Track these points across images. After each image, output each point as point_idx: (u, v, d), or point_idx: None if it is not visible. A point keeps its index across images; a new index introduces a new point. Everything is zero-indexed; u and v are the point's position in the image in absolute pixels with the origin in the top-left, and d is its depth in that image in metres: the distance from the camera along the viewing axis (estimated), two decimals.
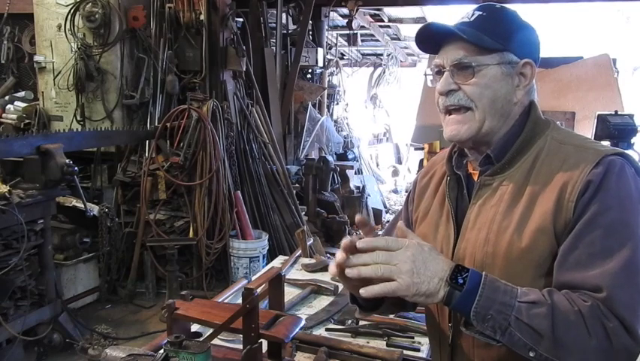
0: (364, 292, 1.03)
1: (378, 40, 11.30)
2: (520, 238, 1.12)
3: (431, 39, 1.24)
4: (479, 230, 1.19)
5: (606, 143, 3.80)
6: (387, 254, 1.03)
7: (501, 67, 1.18)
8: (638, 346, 1.00)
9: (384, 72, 13.11)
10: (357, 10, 7.06)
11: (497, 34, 1.17)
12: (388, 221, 8.27)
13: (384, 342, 1.89)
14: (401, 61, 13.47)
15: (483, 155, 1.24)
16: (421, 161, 8.49)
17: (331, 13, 7.94)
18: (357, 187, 8.02)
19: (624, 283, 1.01)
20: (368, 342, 1.87)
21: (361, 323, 2.03)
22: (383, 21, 9.60)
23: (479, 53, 1.17)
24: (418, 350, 1.83)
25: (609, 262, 1.03)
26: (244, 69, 5.46)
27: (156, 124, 4.99)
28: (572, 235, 1.07)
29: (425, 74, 1.33)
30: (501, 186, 1.19)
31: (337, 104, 10.03)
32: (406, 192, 10.60)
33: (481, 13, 1.20)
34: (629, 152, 1.23)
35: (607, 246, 1.04)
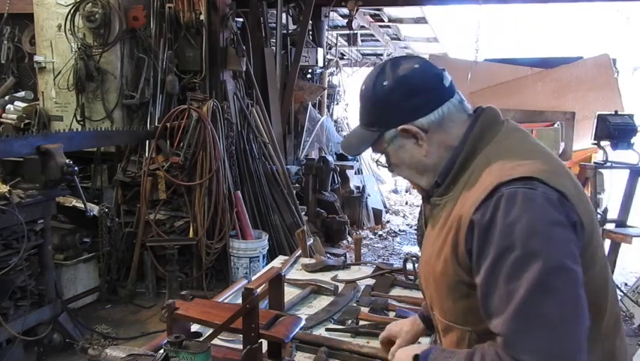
0: None
1: (378, 40, 11.30)
2: (438, 263, 1.21)
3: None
4: (425, 251, 1.30)
5: (606, 143, 3.80)
6: None
7: (392, 145, 1.27)
8: None
9: None
10: (357, 10, 7.06)
11: (371, 122, 1.28)
12: (389, 221, 8.28)
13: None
14: None
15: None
16: None
17: (331, 13, 7.94)
18: (357, 187, 8.02)
19: (520, 326, 1.01)
20: (368, 342, 1.87)
21: (361, 323, 2.03)
22: (383, 21, 9.61)
23: (370, 146, 1.30)
24: None
25: (510, 305, 1.02)
26: (244, 69, 5.46)
27: (156, 124, 4.98)
28: (481, 280, 1.09)
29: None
30: (444, 207, 1.24)
31: (337, 104, 10.03)
32: (406, 191, 10.61)
33: (360, 104, 1.30)
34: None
35: (509, 289, 1.03)
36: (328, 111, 9.23)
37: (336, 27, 9.53)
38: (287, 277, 2.43)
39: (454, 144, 1.23)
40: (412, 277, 2.40)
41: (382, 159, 1.34)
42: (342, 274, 2.57)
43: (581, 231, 1.08)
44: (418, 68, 1.23)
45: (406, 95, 1.22)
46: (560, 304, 1.00)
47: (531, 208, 1.04)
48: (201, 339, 1.47)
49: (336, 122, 9.70)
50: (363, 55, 13.37)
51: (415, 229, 7.41)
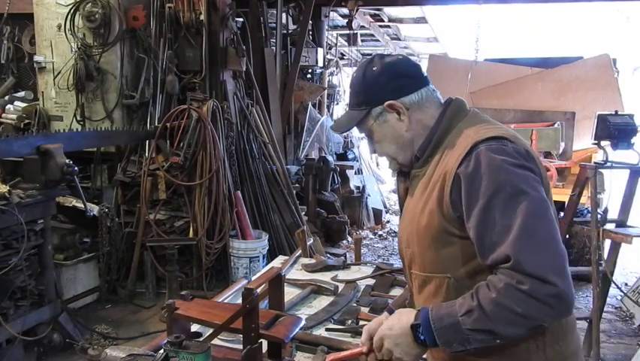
0: None
1: (378, 40, 11.30)
2: (422, 218, 1.39)
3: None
4: (408, 214, 1.49)
5: (606, 143, 3.79)
6: (378, 339, 1.38)
7: (377, 121, 1.47)
8: (558, 287, 1.16)
9: None
10: (357, 10, 7.07)
11: (360, 102, 1.48)
12: (389, 221, 8.28)
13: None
14: None
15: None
16: None
17: (331, 13, 7.95)
18: (357, 187, 8.02)
19: (525, 245, 1.19)
20: None
21: (361, 323, 2.03)
22: (383, 21, 9.61)
23: (361, 122, 1.49)
24: None
25: (510, 233, 1.20)
26: (244, 69, 5.46)
27: (156, 124, 4.98)
28: (474, 223, 1.26)
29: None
30: (422, 177, 1.44)
31: (337, 104, 10.03)
32: None
33: (350, 90, 1.52)
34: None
35: (505, 223, 1.21)
36: (328, 111, 9.23)
37: (336, 27, 9.53)
38: (287, 277, 2.43)
39: (430, 123, 1.45)
40: None
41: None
42: (342, 274, 2.57)
43: (542, 181, 1.30)
44: (402, 59, 1.50)
45: (392, 78, 1.45)
46: (548, 226, 1.22)
47: (507, 157, 1.26)
48: (201, 339, 1.47)
49: None
50: (363, 55, 13.35)
51: None
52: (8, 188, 3.37)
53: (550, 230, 1.22)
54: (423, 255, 1.42)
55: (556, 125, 6.00)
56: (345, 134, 9.88)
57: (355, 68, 1.57)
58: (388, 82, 1.45)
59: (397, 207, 9.32)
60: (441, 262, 1.37)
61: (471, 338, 1.22)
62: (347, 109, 1.58)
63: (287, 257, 2.84)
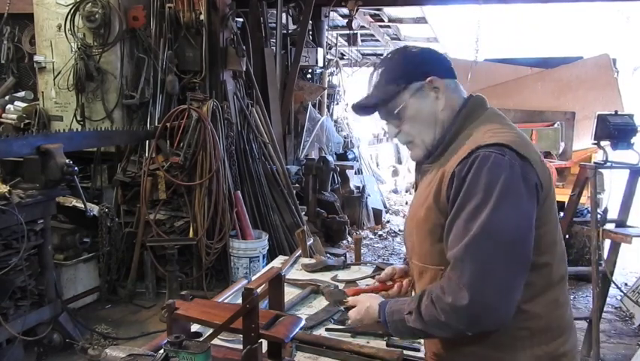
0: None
1: (378, 40, 11.30)
2: (421, 212, 1.45)
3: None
4: (413, 206, 1.55)
5: (606, 143, 3.80)
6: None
7: (414, 96, 1.46)
8: (473, 301, 1.24)
9: None
10: (357, 10, 7.06)
11: (398, 77, 1.46)
12: (389, 221, 8.28)
13: (384, 342, 1.89)
14: None
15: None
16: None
17: (331, 13, 7.95)
18: (357, 187, 8.02)
19: (468, 253, 1.27)
20: (368, 342, 1.87)
21: None
22: (383, 21, 9.60)
23: (392, 101, 1.47)
24: (418, 350, 1.83)
25: (464, 239, 1.29)
26: (244, 69, 5.46)
27: (156, 124, 4.98)
28: (449, 220, 1.35)
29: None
30: (430, 172, 1.48)
31: (337, 104, 10.03)
32: (406, 191, 10.62)
33: (383, 68, 1.50)
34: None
35: (465, 228, 1.29)
36: (328, 111, 9.23)
37: (336, 27, 9.53)
38: (287, 277, 2.43)
39: (452, 114, 1.48)
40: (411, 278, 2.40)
41: (387, 125, 1.55)
42: (342, 274, 2.57)
43: (540, 190, 1.33)
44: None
45: (434, 58, 1.51)
46: (495, 246, 1.27)
47: (497, 169, 1.28)
48: (201, 339, 1.47)
49: (336, 122, 9.70)
50: (363, 55, 13.37)
51: None
52: (8, 188, 3.37)
53: (494, 251, 1.27)
54: (420, 247, 1.49)
55: (556, 125, 6.00)
56: (344, 133, 9.89)
57: (387, 53, 1.56)
58: (430, 60, 1.49)
59: (397, 207, 9.37)
60: (435, 255, 1.43)
61: (414, 332, 1.41)
62: (371, 91, 1.52)
63: (287, 257, 2.84)
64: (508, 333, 1.35)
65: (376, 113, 1.56)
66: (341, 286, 2.40)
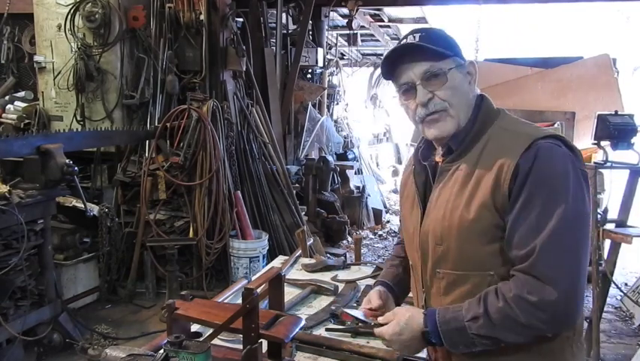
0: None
1: (378, 40, 11.29)
2: (468, 212, 1.33)
3: (392, 61, 1.42)
4: (439, 208, 1.41)
5: (606, 143, 3.79)
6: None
7: (458, 69, 1.39)
8: (564, 296, 1.19)
9: None
10: (357, 10, 7.06)
11: (443, 45, 1.37)
12: (389, 221, 8.28)
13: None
14: None
15: (445, 146, 1.45)
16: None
17: (331, 13, 7.94)
18: (357, 187, 8.02)
19: (550, 246, 1.22)
20: (368, 342, 1.87)
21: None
22: (383, 21, 9.60)
23: (439, 60, 1.36)
24: None
25: (543, 231, 1.23)
26: (244, 69, 5.46)
27: (156, 124, 4.98)
28: (513, 215, 1.27)
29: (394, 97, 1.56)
30: (457, 170, 1.39)
31: (337, 104, 10.03)
32: None
33: (420, 33, 1.38)
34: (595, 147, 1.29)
35: (540, 221, 1.24)
36: (328, 111, 9.22)
37: (336, 27, 9.52)
38: (287, 277, 2.43)
39: (470, 108, 1.42)
40: None
41: (420, 88, 1.38)
42: (342, 274, 2.57)
43: (587, 177, 1.32)
44: None
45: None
46: (578, 237, 1.24)
47: (562, 160, 1.27)
48: (201, 339, 1.47)
49: (336, 122, 9.70)
50: (363, 55, 13.37)
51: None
52: (8, 188, 3.37)
53: (576, 240, 1.24)
54: (462, 251, 1.36)
55: (556, 125, 6.00)
56: (344, 133, 9.89)
57: (416, 29, 1.44)
58: (460, 47, 1.43)
59: (397, 207, 9.35)
60: (484, 259, 1.33)
61: (476, 341, 1.27)
62: (417, 42, 1.37)
63: (287, 257, 2.84)
64: (558, 335, 1.29)
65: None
66: (341, 286, 2.40)
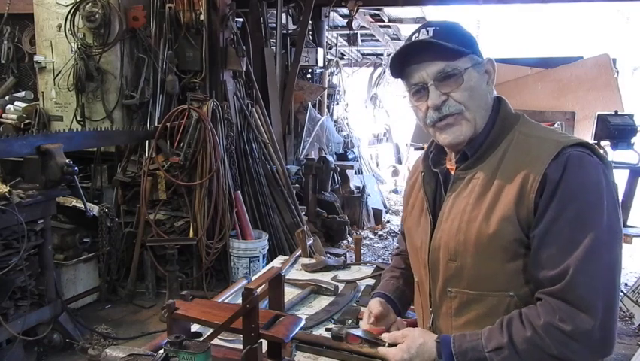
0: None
1: (378, 40, 11.30)
2: (487, 225, 1.21)
3: (402, 59, 1.30)
4: (452, 220, 1.29)
5: (606, 143, 3.80)
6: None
7: (475, 68, 1.26)
8: (601, 323, 1.08)
9: (384, 72, 13.11)
10: (357, 10, 7.06)
11: (459, 41, 1.24)
12: (389, 221, 8.28)
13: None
14: None
15: (460, 152, 1.33)
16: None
17: (331, 13, 7.94)
18: (357, 187, 8.02)
19: (585, 267, 1.10)
20: None
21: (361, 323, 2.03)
22: (383, 21, 9.60)
23: (455, 59, 1.24)
24: None
25: (574, 252, 1.11)
26: (244, 69, 5.46)
27: (156, 124, 4.98)
28: (540, 231, 1.15)
29: (403, 98, 1.46)
30: (473, 179, 1.28)
31: (337, 104, 10.03)
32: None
33: (434, 28, 1.25)
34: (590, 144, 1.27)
35: (573, 238, 1.12)
36: (328, 111, 9.23)
37: (336, 27, 9.52)
38: (287, 277, 2.43)
39: (488, 111, 1.30)
40: None
41: (432, 90, 1.27)
42: (342, 274, 2.56)
43: (617, 190, 1.23)
44: None
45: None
46: (612, 257, 1.14)
47: (595, 170, 1.15)
48: (201, 339, 1.47)
49: (336, 122, 9.70)
50: (363, 55, 13.37)
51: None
52: (8, 188, 3.37)
53: (612, 261, 1.13)
54: (479, 269, 1.23)
55: (556, 126, 6.00)
56: (344, 133, 9.89)
57: (431, 22, 1.31)
58: (478, 44, 1.30)
59: (397, 207, 9.36)
60: (502, 278, 1.21)
61: None
62: (429, 39, 1.24)
63: (287, 257, 2.84)
64: None
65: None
66: (341, 286, 2.40)
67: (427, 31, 1.25)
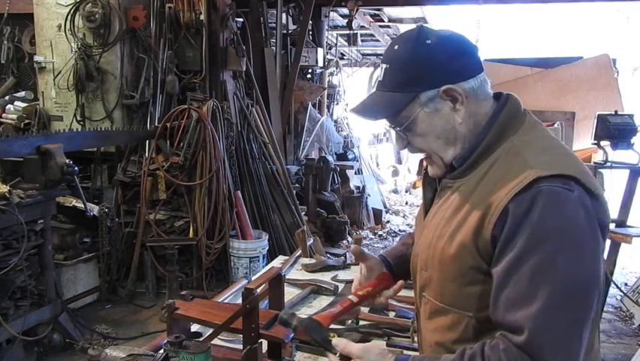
0: None
1: (378, 40, 11.30)
2: (450, 246, 1.16)
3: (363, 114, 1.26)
4: (429, 231, 1.26)
5: (606, 143, 3.80)
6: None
7: (424, 109, 1.18)
8: None
9: None
10: (357, 10, 7.06)
11: (406, 82, 1.17)
12: (389, 221, 8.28)
13: (384, 342, 1.89)
14: None
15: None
16: (421, 161, 8.49)
17: (331, 13, 7.94)
18: (357, 187, 8.02)
19: (547, 326, 1.01)
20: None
21: (361, 323, 2.03)
22: (383, 21, 9.60)
23: (397, 114, 1.19)
24: (418, 350, 1.83)
25: (534, 303, 1.02)
26: (244, 69, 5.46)
27: (156, 124, 4.98)
28: (500, 271, 1.07)
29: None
30: (457, 190, 1.21)
31: (337, 104, 10.03)
32: (406, 191, 10.60)
33: (387, 66, 1.20)
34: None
35: (533, 286, 1.02)
36: (328, 111, 9.23)
37: (336, 27, 9.52)
38: (287, 277, 2.43)
39: (482, 121, 1.20)
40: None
41: (394, 133, 1.26)
42: (342, 274, 2.57)
43: (605, 230, 1.10)
44: (459, 34, 1.21)
45: (453, 56, 1.17)
46: (581, 308, 1.03)
47: (567, 211, 1.03)
48: (201, 339, 1.47)
49: (336, 122, 9.70)
50: (363, 55, 13.37)
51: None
52: (8, 188, 3.37)
53: (579, 317, 1.03)
54: (442, 285, 1.22)
55: (556, 125, 6.00)
56: (344, 133, 9.89)
57: (393, 40, 1.24)
58: (448, 61, 1.16)
59: (397, 207, 9.36)
60: (463, 299, 1.18)
61: None
62: (378, 89, 1.22)
63: (287, 257, 2.84)
64: None
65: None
66: (341, 286, 2.40)
67: (383, 69, 1.22)
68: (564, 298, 1.01)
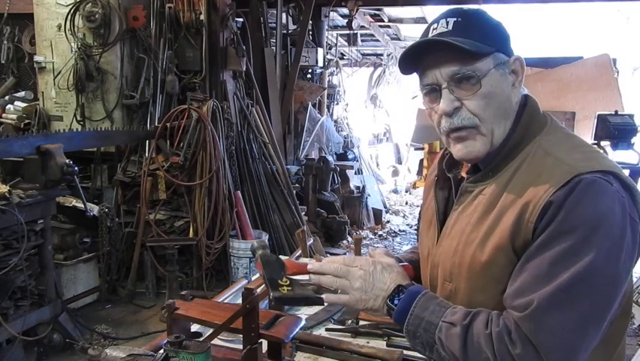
0: (325, 298, 1.28)
1: (378, 40, 11.30)
2: (482, 252, 1.10)
3: (413, 57, 1.16)
4: (452, 239, 1.19)
5: (606, 143, 3.80)
6: (345, 270, 1.22)
7: (498, 70, 1.11)
8: (546, 358, 0.97)
9: (384, 72, 13.12)
10: (357, 10, 7.06)
11: (483, 37, 1.10)
12: (389, 221, 8.28)
13: (384, 342, 1.89)
14: None
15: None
16: (421, 161, 8.49)
17: (331, 13, 7.94)
18: (357, 187, 8.02)
19: (553, 308, 0.98)
20: (368, 342, 1.87)
21: (361, 323, 2.03)
22: (383, 21, 9.61)
23: (474, 60, 1.09)
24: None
25: (547, 285, 0.99)
26: (244, 69, 5.46)
27: (156, 124, 4.98)
28: (524, 256, 1.05)
29: (413, 97, 1.32)
30: (480, 194, 1.16)
31: (337, 104, 10.03)
32: (406, 191, 10.61)
33: (455, 19, 1.11)
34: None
35: (553, 271, 1.00)
36: (328, 111, 9.23)
37: (336, 27, 9.53)
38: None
39: (513, 115, 1.16)
40: None
41: (446, 92, 1.13)
42: None
43: (638, 227, 1.06)
44: None
45: (510, 39, 1.15)
46: (595, 305, 0.99)
47: (603, 202, 1.00)
48: (201, 339, 1.47)
49: (336, 122, 9.70)
50: (363, 55, 13.37)
51: (416, 229, 7.40)
52: (8, 188, 3.37)
53: (592, 309, 0.99)
54: (471, 296, 1.14)
55: None
56: (344, 133, 9.90)
57: (453, 10, 1.13)
58: (507, 37, 1.14)
59: (397, 207, 9.36)
60: (494, 308, 1.09)
61: (435, 348, 1.08)
62: (448, 37, 1.09)
63: (287, 257, 2.84)
64: None
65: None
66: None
67: (447, 22, 1.11)
68: (580, 291, 0.98)
